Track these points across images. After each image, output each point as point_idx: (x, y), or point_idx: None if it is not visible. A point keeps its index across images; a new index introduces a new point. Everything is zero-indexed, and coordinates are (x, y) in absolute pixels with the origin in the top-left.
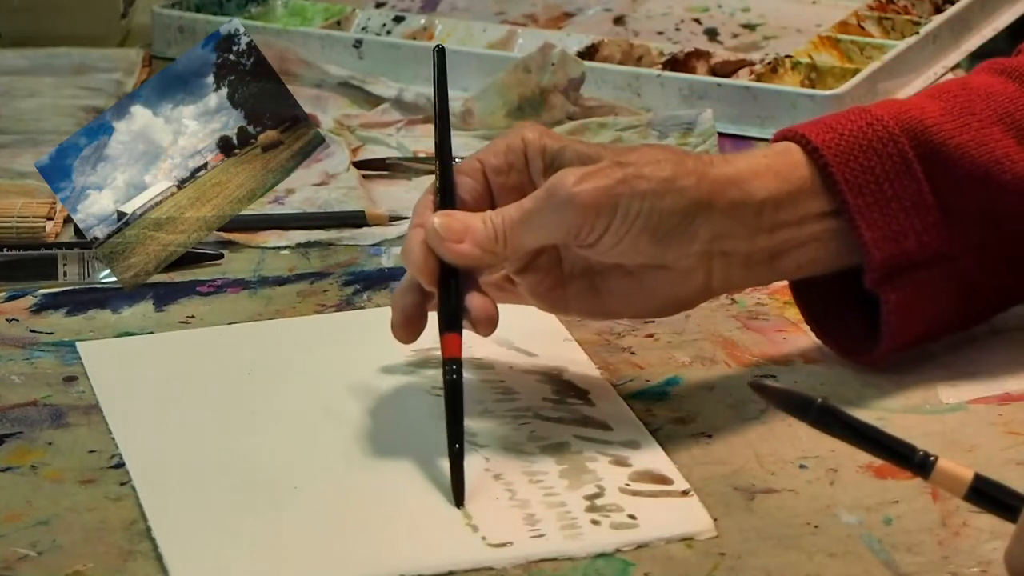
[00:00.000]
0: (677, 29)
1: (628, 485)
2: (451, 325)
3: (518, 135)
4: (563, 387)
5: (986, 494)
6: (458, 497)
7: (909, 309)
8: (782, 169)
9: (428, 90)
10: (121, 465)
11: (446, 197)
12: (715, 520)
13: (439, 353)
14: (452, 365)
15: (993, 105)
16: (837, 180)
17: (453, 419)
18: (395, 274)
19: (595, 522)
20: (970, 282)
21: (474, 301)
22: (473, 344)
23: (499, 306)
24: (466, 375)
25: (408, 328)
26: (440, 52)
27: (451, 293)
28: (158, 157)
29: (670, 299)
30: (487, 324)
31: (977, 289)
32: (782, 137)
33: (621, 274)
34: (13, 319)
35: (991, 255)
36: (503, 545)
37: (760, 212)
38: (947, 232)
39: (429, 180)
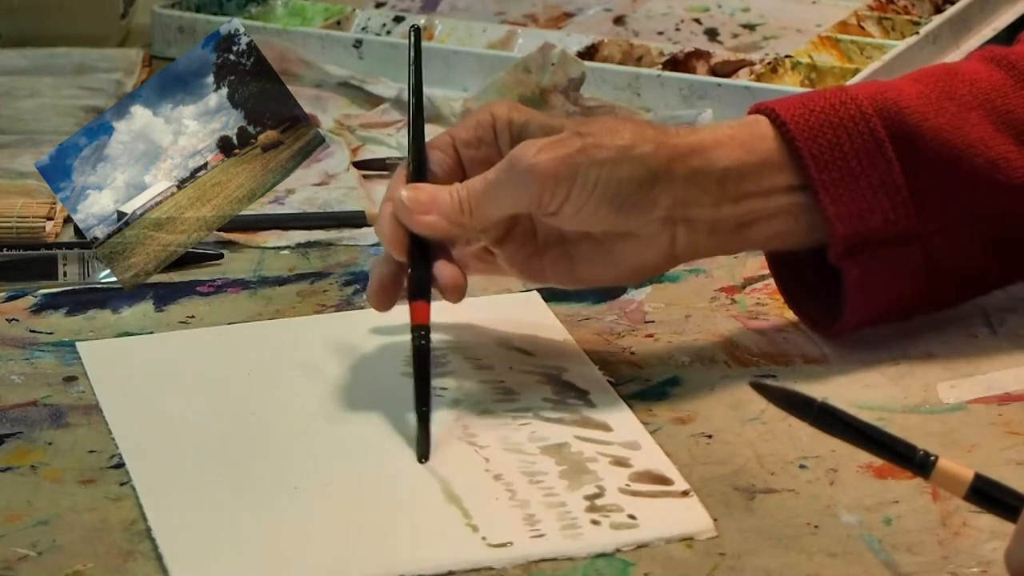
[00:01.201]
0: (677, 29)
1: (628, 485)
2: (420, 293)
3: (487, 110)
4: (563, 387)
5: (986, 494)
6: (423, 451)
7: (872, 285)
8: (747, 140)
9: (428, 90)
10: (121, 465)
11: (418, 171)
12: (715, 520)
13: (438, 352)
14: (420, 331)
15: (975, 91)
16: (803, 154)
17: (421, 382)
18: None
19: (595, 522)
20: (939, 263)
21: (442, 270)
22: (473, 344)
23: (497, 305)
24: (466, 375)
25: (382, 296)
26: (416, 32)
27: (419, 263)
28: (158, 157)
29: (637, 265)
30: (455, 291)
31: (947, 270)
32: (754, 111)
33: (590, 242)
34: (13, 319)
35: (962, 237)
36: (503, 545)
37: (723, 181)
38: (916, 212)
39: None
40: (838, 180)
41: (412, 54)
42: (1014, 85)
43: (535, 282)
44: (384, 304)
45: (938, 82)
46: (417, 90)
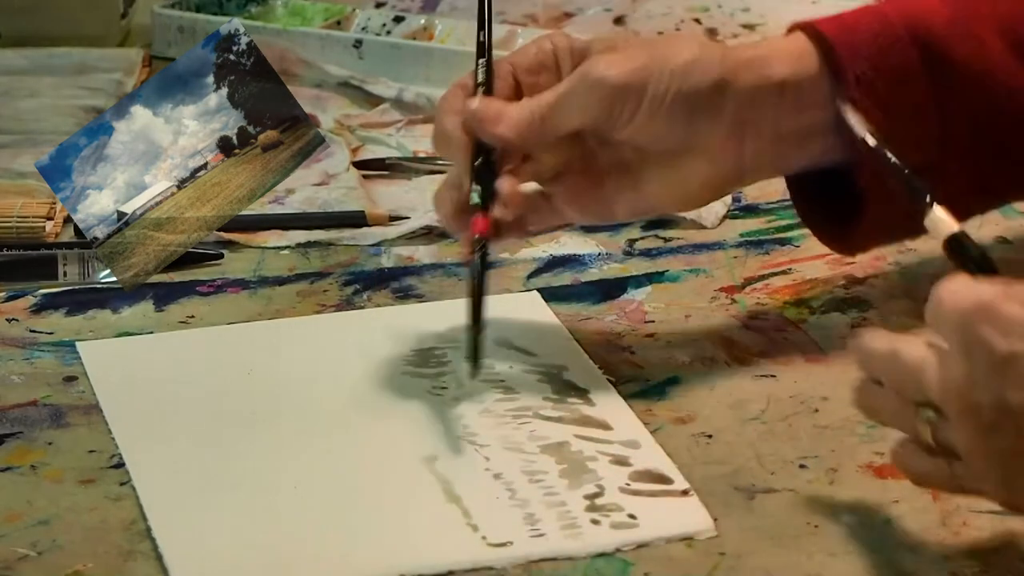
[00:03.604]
0: (677, 29)
1: (628, 485)
2: (483, 204)
3: (547, 39)
4: (563, 386)
5: (962, 246)
6: (476, 363)
7: (892, 210)
8: (798, 53)
9: (428, 90)
10: (121, 465)
11: (487, 89)
12: (715, 520)
13: (439, 352)
14: (481, 243)
15: (996, 13)
16: (847, 76)
17: (477, 294)
18: (395, 274)
19: (595, 522)
20: (956, 188)
21: (504, 183)
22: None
23: (497, 304)
24: (466, 374)
25: (460, 219)
26: None
27: (482, 176)
28: (158, 157)
29: (706, 182)
30: (515, 203)
31: (962, 192)
32: (796, 28)
33: (656, 164)
34: (13, 319)
35: (973, 164)
36: (503, 545)
37: (782, 91)
38: (940, 139)
39: (429, 180)
40: (874, 106)
41: None
42: None
43: (599, 219)
44: (465, 226)
45: (966, 2)
46: (488, 10)
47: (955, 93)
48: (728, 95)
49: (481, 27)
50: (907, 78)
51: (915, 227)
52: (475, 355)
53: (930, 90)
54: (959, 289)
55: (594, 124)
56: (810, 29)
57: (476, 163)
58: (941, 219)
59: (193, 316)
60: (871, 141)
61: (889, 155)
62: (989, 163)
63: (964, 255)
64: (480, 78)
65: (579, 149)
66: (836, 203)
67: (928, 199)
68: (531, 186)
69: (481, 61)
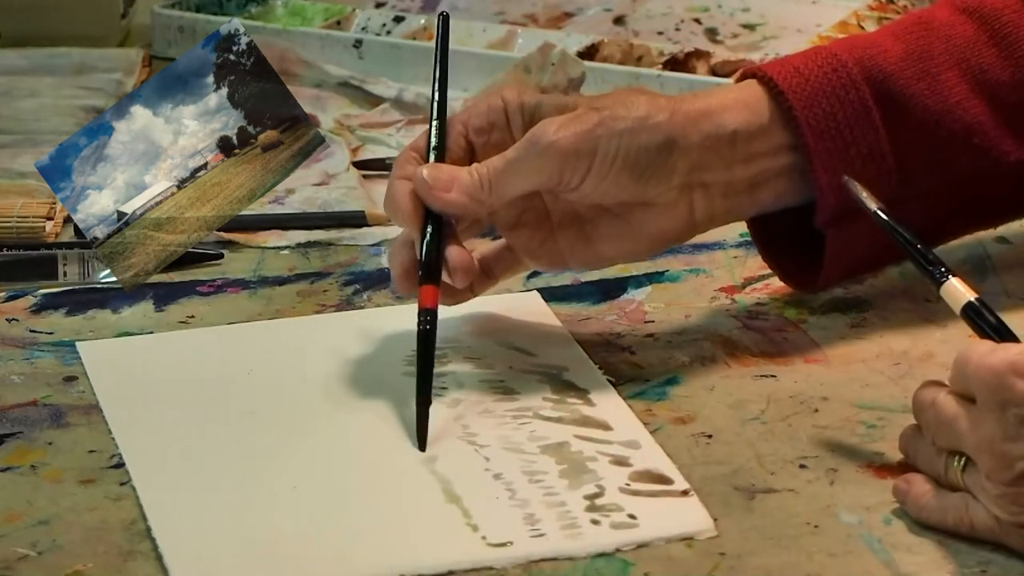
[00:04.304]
0: (677, 29)
1: (628, 485)
2: (428, 276)
3: (498, 95)
4: (563, 386)
5: (979, 314)
6: (422, 439)
7: (852, 248)
8: (750, 101)
9: (428, 90)
10: (121, 465)
11: (439, 153)
12: (715, 520)
13: (439, 352)
14: (426, 316)
15: (951, 48)
16: (800, 123)
17: (424, 367)
18: None
19: (595, 522)
20: (914, 223)
21: (453, 253)
22: (473, 343)
23: (497, 304)
24: (466, 374)
25: (409, 280)
26: (445, 18)
27: (430, 246)
28: (158, 157)
29: (657, 235)
30: (464, 273)
31: (921, 230)
32: (748, 75)
33: (608, 217)
34: (13, 319)
35: (934, 199)
36: (503, 545)
37: (733, 143)
38: (898, 179)
39: None
40: (832, 151)
41: (440, 40)
42: (987, 41)
43: (554, 268)
44: (412, 288)
45: (918, 40)
46: (443, 76)
47: (911, 131)
48: (677, 153)
49: (435, 88)
50: (861, 120)
51: (873, 266)
52: (422, 430)
53: (885, 130)
54: (989, 351)
55: (544, 187)
56: (761, 75)
57: (426, 232)
58: (958, 288)
59: (193, 316)
60: (883, 216)
61: (901, 229)
62: (950, 197)
63: (983, 322)
64: (434, 141)
65: (533, 203)
66: (796, 242)
67: (944, 270)
68: (496, 243)
69: (435, 123)
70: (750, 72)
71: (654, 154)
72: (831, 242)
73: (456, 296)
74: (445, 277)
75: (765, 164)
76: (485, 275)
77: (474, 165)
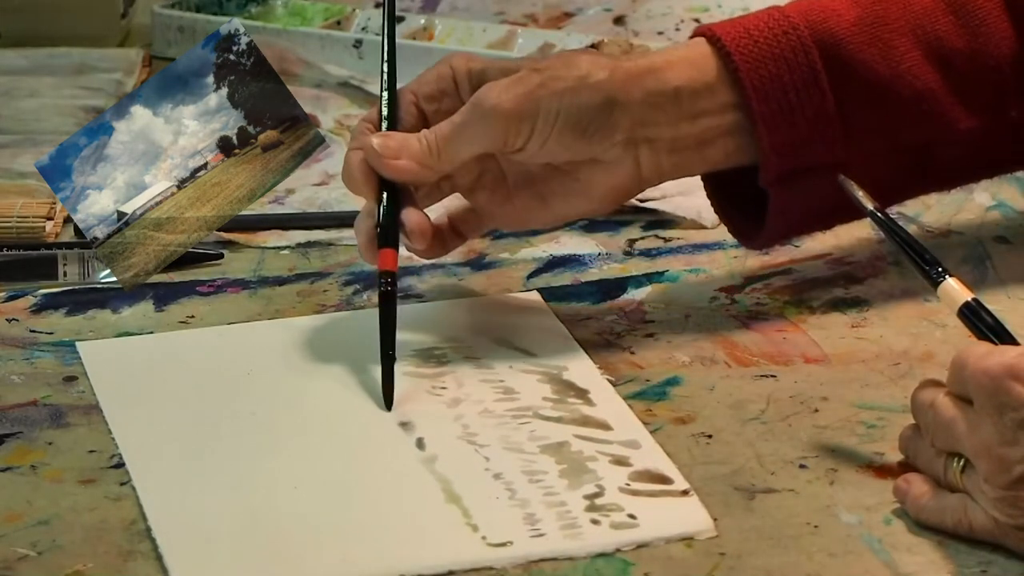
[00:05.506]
0: (677, 29)
1: (628, 485)
2: (387, 240)
3: (446, 63)
4: (563, 386)
5: (976, 315)
6: (388, 401)
7: (795, 207)
8: (697, 60)
9: None
10: (121, 465)
11: (391, 123)
12: (715, 520)
13: (439, 352)
14: (386, 278)
15: (908, 15)
16: (745, 85)
17: (385, 327)
18: None
19: (595, 522)
20: (861, 187)
21: (409, 216)
22: (473, 343)
23: (497, 304)
24: (466, 374)
25: (372, 248)
26: None
27: (387, 211)
28: (158, 157)
29: (607, 192)
30: (421, 236)
31: (868, 192)
32: (697, 34)
33: (559, 176)
34: (13, 319)
35: (882, 162)
36: (503, 545)
37: (677, 100)
38: (844, 143)
39: None
40: (776, 112)
41: (386, 12)
42: (944, 9)
43: (517, 227)
44: (376, 257)
45: (874, 5)
46: (390, 43)
47: (860, 96)
48: (618, 110)
49: (384, 59)
50: (808, 83)
51: (818, 226)
52: (388, 389)
53: (833, 94)
54: (986, 353)
55: (491, 150)
56: (710, 36)
57: (382, 197)
58: (955, 288)
59: (193, 316)
60: (880, 216)
61: (897, 227)
62: (899, 161)
63: (979, 322)
64: (384, 111)
65: (489, 166)
66: (752, 200)
67: (941, 270)
68: (463, 203)
69: (385, 94)
70: (700, 32)
71: (595, 112)
72: (773, 201)
73: (428, 254)
74: (404, 240)
75: (711, 122)
76: (455, 234)
77: (423, 132)
